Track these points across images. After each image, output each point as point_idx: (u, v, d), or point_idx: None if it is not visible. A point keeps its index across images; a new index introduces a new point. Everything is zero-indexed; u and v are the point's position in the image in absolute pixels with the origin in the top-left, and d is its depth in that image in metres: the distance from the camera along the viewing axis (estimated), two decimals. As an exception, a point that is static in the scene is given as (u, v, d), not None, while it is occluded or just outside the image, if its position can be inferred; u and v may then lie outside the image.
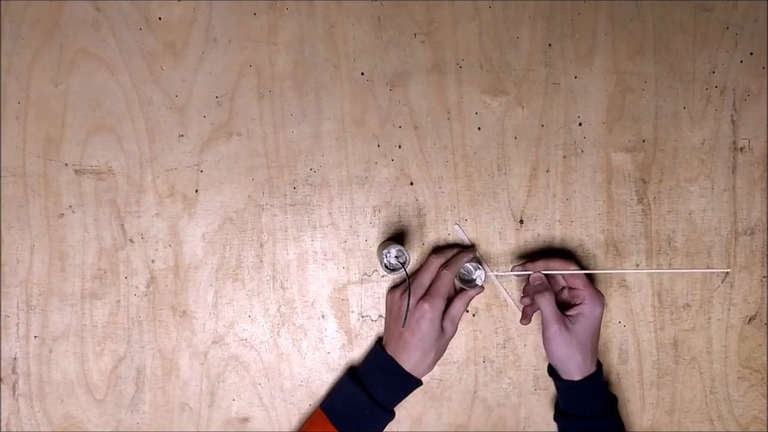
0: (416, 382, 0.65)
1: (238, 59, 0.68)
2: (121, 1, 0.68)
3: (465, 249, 0.68)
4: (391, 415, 0.66)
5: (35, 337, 0.70)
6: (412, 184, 0.70)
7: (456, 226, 0.71)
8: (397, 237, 0.71)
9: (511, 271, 0.69)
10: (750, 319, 0.73)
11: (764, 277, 0.72)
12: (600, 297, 0.65)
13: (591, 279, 0.69)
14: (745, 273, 0.72)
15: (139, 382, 0.70)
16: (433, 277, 0.65)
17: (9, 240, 0.69)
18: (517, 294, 0.71)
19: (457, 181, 0.70)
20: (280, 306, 0.71)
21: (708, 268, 0.72)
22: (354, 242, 0.71)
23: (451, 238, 0.71)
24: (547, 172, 0.71)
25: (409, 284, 0.65)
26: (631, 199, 0.71)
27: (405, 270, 0.65)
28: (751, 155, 0.71)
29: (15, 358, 0.70)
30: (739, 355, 0.73)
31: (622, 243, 0.71)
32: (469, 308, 0.71)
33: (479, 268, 0.68)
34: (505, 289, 0.71)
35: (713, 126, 0.71)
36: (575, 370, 0.63)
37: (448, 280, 0.64)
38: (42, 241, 0.69)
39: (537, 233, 0.71)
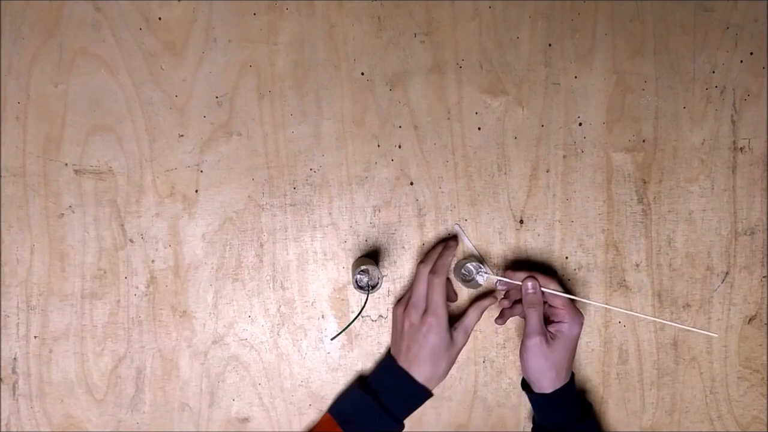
0: (428, 394, 0.65)
1: (238, 59, 0.68)
2: (121, 1, 0.68)
3: (446, 246, 0.67)
4: (401, 427, 0.66)
5: (35, 337, 0.70)
6: (412, 184, 0.70)
7: (456, 226, 0.71)
8: (372, 255, 0.70)
9: (497, 281, 0.68)
10: (750, 319, 0.73)
11: (764, 277, 0.72)
12: (579, 317, 0.64)
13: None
14: (745, 273, 0.72)
15: (139, 382, 0.70)
16: (427, 286, 0.64)
17: (9, 240, 0.69)
18: (517, 294, 0.71)
19: (457, 181, 0.70)
20: (280, 306, 0.71)
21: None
22: (354, 242, 0.71)
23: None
24: (547, 172, 0.71)
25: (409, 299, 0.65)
26: (631, 199, 0.71)
27: (367, 294, 0.65)
28: (751, 155, 0.71)
29: (15, 358, 0.70)
30: (739, 355, 0.73)
31: (622, 243, 0.71)
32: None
33: (480, 268, 0.68)
34: (505, 289, 0.71)
35: (713, 126, 0.71)
36: (548, 384, 0.64)
37: (440, 287, 0.63)
38: (42, 241, 0.69)
39: (537, 233, 0.71)
